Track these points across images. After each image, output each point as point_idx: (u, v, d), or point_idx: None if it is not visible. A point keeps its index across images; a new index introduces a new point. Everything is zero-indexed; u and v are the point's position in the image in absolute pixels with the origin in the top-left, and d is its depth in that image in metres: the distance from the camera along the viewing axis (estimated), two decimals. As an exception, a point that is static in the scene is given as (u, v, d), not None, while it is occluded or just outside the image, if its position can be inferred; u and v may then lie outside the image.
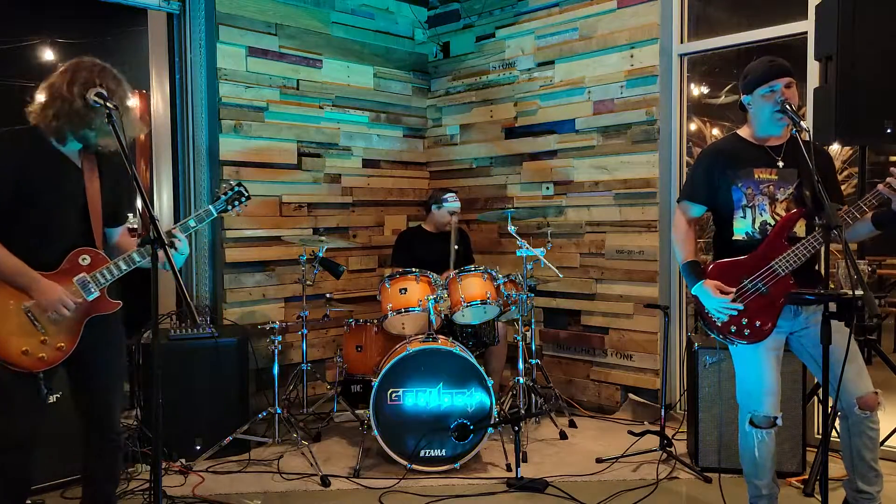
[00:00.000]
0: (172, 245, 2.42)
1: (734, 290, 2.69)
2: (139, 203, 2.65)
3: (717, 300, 2.68)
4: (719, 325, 2.72)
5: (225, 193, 2.72)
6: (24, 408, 2.38)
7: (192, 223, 2.61)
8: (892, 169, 2.53)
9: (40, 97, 2.37)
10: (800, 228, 2.73)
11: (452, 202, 4.70)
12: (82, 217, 2.46)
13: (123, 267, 2.45)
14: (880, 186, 2.56)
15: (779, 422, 2.75)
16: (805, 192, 2.72)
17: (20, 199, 2.35)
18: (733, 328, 2.70)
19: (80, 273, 2.41)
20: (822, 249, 2.50)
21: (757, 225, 2.75)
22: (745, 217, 2.76)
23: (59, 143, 2.42)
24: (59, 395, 3.19)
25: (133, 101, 2.47)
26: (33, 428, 2.42)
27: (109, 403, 2.57)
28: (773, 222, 2.72)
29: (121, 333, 2.64)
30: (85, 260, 2.43)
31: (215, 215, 2.68)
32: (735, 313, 2.67)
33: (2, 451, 2.37)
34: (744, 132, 2.84)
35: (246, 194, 2.75)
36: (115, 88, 2.38)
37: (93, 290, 2.42)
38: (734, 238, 2.78)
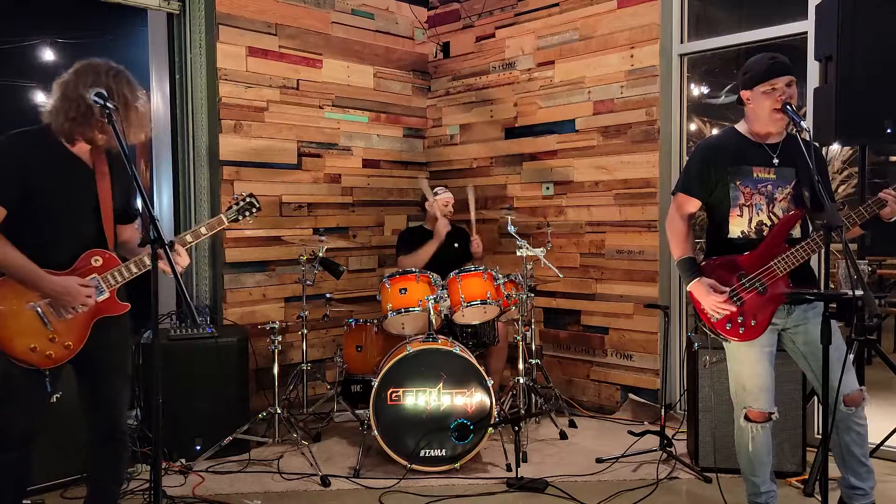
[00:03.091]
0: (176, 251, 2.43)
1: (727, 290, 2.69)
2: (139, 203, 2.64)
3: (711, 299, 2.69)
4: (714, 321, 2.73)
5: (236, 203, 2.77)
6: (28, 405, 2.40)
7: (203, 230, 2.64)
8: None
9: (53, 96, 2.37)
10: (795, 229, 2.73)
11: (443, 193, 4.74)
12: (94, 218, 2.46)
13: (134, 270, 2.46)
14: (882, 193, 2.56)
15: (774, 416, 2.76)
16: (804, 193, 2.72)
17: (30, 201, 2.34)
18: (728, 325, 2.70)
19: (91, 273, 2.42)
20: (822, 249, 2.50)
21: (753, 224, 2.74)
22: (741, 216, 2.75)
23: (69, 144, 2.42)
24: (59, 395, 3.19)
25: (142, 104, 2.44)
26: (35, 427, 2.43)
27: (116, 403, 2.58)
28: (769, 222, 2.72)
29: (128, 335, 2.65)
30: (97, 261, 2.44)
31: (226, 224, 2.72)
32: (729, 312, 2.68)
33: (4, 449, 2.37)
34: (741, 127, 2.81)
35: (257, 205, 2.81)
36: (121, 90, 2.36)
37: (103, 290, 2.43)
38: (729, 237, 2.78)
